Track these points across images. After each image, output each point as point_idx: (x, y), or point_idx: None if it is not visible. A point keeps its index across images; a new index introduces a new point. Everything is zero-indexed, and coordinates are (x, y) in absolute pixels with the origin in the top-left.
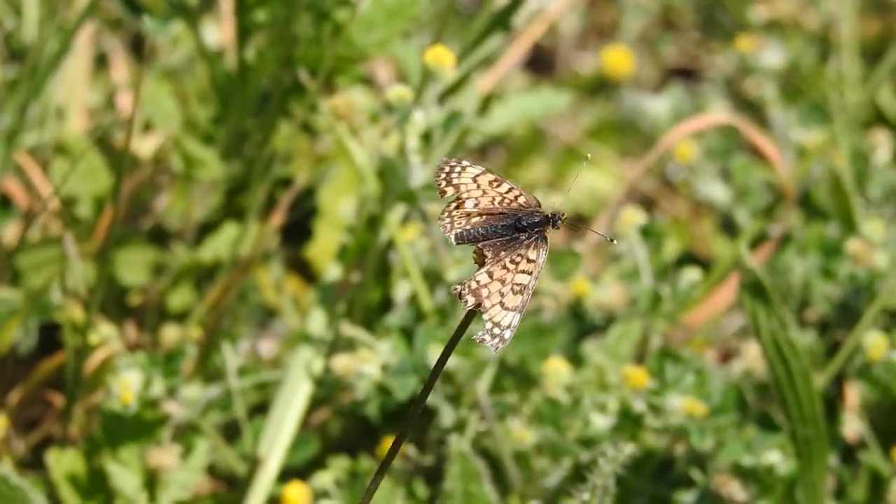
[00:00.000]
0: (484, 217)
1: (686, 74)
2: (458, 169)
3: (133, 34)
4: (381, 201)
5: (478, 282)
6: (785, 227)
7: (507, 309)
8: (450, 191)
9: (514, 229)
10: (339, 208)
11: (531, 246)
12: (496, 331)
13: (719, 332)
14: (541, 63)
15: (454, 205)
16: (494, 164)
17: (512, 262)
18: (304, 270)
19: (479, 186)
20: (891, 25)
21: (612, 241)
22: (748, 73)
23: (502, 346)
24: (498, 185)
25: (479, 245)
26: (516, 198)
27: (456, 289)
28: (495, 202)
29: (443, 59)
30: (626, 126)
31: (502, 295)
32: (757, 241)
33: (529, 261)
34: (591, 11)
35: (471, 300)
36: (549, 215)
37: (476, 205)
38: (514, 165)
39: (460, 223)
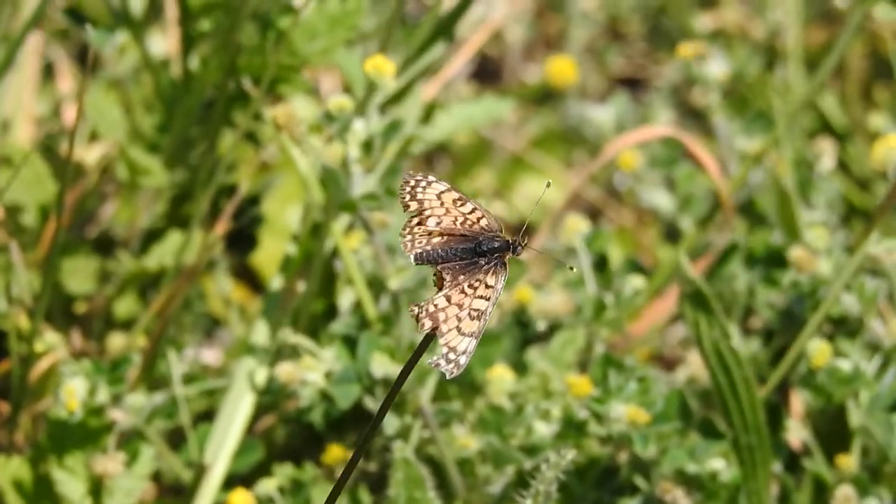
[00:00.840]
0: (445, 238)
1: (633, 84)
2: (423, 184)
3: (79, 44)
4: (325, 210)
5: (436, 305)
6: (725, 235)
7: (463, 334)
8: (413, 205)
9: (474, 253)
10: (284, 217)
11: (490, 271)
12: (451, 356)
13: (663, 340)
14: (488, 73)
15: (416, 220)
16: (440, 173)
17: (470, 286)
18: (249, 278)
19: (442, 204)
20: (836, 35)
21: (571, 268)
22: (694, 83)
23: (457, 371)
24: (462, 205)
25: (439, 267)
26: (479, 219)
27: (413, 311)
28: (457, 222)
29: (383, 68)
30: (571, 135)
31: (459, 320)
32: (700, 250)
33: (488, 286)
34: (538, 22)
35: (428, 323)
36: (510, 241)
37: (438, 223)
38: (459, 174)
39: (421, 242)
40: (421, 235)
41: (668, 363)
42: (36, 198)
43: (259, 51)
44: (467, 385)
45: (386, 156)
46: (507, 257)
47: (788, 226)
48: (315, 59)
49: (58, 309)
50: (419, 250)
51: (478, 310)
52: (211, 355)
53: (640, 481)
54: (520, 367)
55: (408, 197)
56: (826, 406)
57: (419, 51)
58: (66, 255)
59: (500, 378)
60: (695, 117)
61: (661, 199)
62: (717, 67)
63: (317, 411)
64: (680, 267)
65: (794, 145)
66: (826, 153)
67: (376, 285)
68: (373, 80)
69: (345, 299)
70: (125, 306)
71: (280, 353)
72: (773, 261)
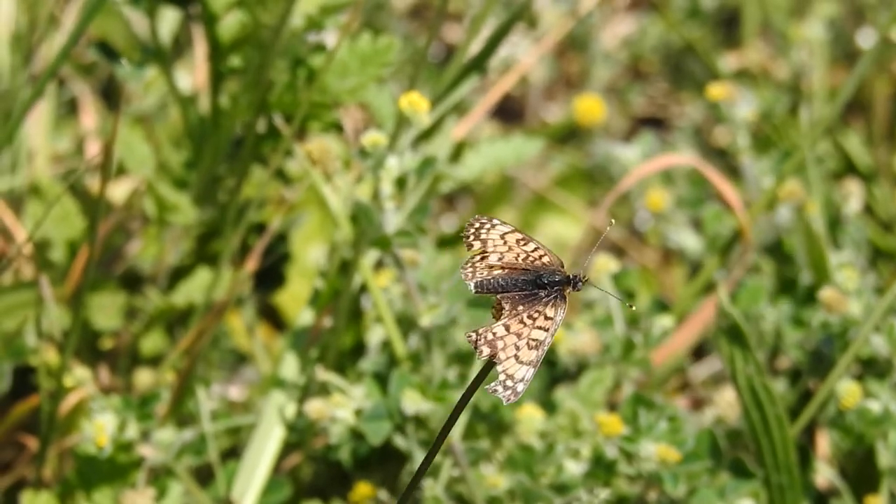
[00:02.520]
0: (506, 270)
1: (655, 123)
2: (487, 226)
3: (102, 79)
4: (354, 246)
5: (494, 333)
6: (743, 269)
7: (521, 363)
8: (476, 245)
9: (534, 285)
10: (306, 255)
11: (550, 303)
12: (509, 383)
13: (686, 378)
14: (510, 112)
15: (478, 257)
16: (463, 212)
17: (529, 317)
18: (272, 316)
19: (505, 243)
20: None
21: (631, 307)
22: (718, 122)
23: (514, 398)
24: (525, 244)
25: (498, 297)
26: (540, 257)
27: (470, 336)
28: (519, 258)
29: (418, 104)
30: (594, 175)
31: (517, 348)
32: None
33: (547, 318)
34: (560, 61)
35: (486, 350)
36: (571, 276)
37: (500, 259)
38: (482, 214)
39: (482, 273)
40: (482, 268)
41: (693, 402)
42: (64, 234)
43: (290, 88)
44: (496, 424)
45: (414, 193)
46: (568, 291)
47: (817, 266)
48: (346, 97)
49: (85, 345)
50: (480, 279)
51: (536, 340)
52: (234, 392)
53: None
54: (548, 406)
55: (472, 237)
56: (855, 447)
57: (449, 88)
58: (93, 291)
59: (530, 417)
60: (718, 157)
61: (687, 240)
62: (744, 108)
63: (345, 449)
64: (718, 300)
65: (821, 186)
66: (853, 194)
67: (404, 323)
68: (407, 117)
69: (373, 336)
70: (152, 342)
71: (307, 389)
72: (801, 301)
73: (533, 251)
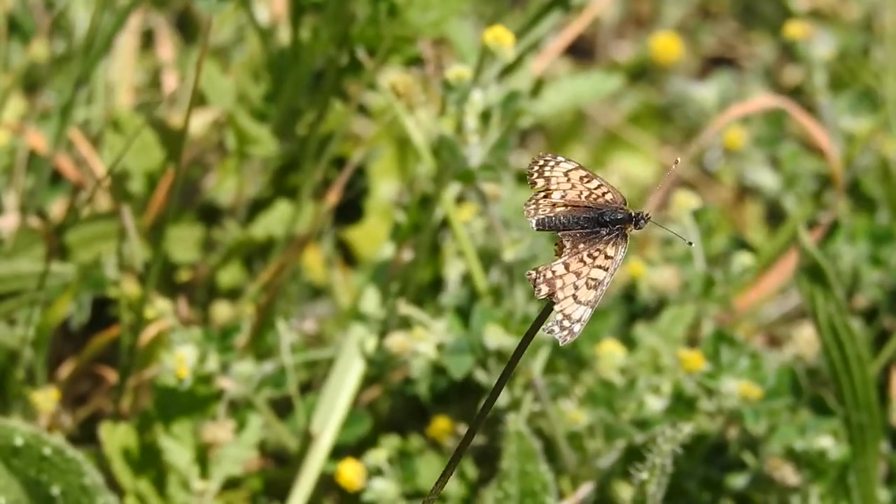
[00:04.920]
0: (569, 207)
1: (724, 63)
2: (551, 163)
3: (177, 12)
4: (436, 181)
5: (553, 272)
6: (834, 213)
7: (579, 302)
8: (540, 182)
9: (595, 223)
10: (381, 191)
11: (611, 242)
12: (566, 323)
13: (761, 318)
14: (580, 51)
15: (542, 194)
16: (535, 150)
17: (590, 255)
18: (343, 252)
19: (569, 180)
20: None
21: (690, 243)
22: (793, 62)
23: (570, 339)
24: (588, 181)
25: (560, 234)
26: (604, 194)
27: (530, 275)
28: (582, 196)
29: (503, 38)
30: (667, 113)
31: (576, 288)
32: (807, 228)
33: (607, 257)
34: (630, 1)
35: (544, 289)
36: (633, 214)
37: (563, 196)
38: (553, 151)
39: (544, 210)
40: (545, 205)
41: (768, 340)
42: (143, 165)
43: (372, 21)
44: (574, 360)
45: (497, 128)
46: (629, 230)
47: (895, 205)
48: (427, 31)
49: (162, 278)
50: (542, 216)
51: (595, 279)
52: (308, 326)
53: (748, 458)
54: (628, 343)
55: (535, 174)
56: None
57: (530, 24)
58: (170, 224)
59: (611, 353)
60: (789, 97)
61: (765, 178)
62: (822, 47)
63: (424, 383)
64: (797, 240)
65: None
66: None
67: (485, 258)
68: (492, 51)
69: (452, 271)
70: (229, 276)
71: (387, 323)
72: (879, 240)
73: (596, 188)
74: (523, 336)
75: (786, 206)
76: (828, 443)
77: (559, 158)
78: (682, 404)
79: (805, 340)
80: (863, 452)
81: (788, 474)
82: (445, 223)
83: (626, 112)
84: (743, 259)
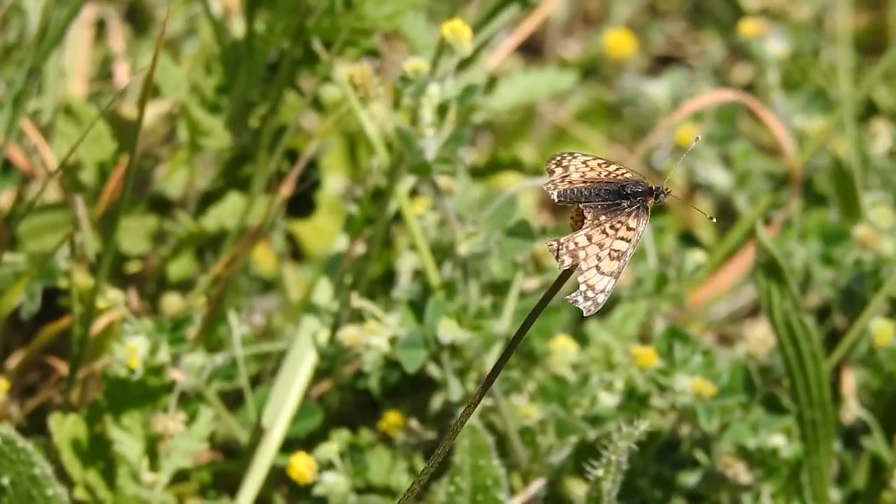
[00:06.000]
0: (588, 182)
1: (674, 62)
2: (569, 158)
3: (127, 3)
4: (390, 174)
5: (576, 243)
6: (787, 212)
7: (602, 273)
8: (559, 171)
9: (617, 195)
10: (330, 185)
11: (632, 214)
12: (590, 294)
13: (711, 316)
14: (530, 49)
15: (559, 177)
16: (483, 146)
17: (612, 227)
18: (290, 245)
19: (588, 166)
20: (882, 18)
21: (711, 218)
22: (744, 60)
23: (595, 309)
24: (607, 165)
25: (581, 206)
26: (623, 174)
27: (552, 245)
28: (601, 175)
29: (460, 32)
30: (616, 111)
31: (599, 259)
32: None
33: (629, 229)
34: None
35: (567, 260)
36: (654, 187)
37: (582, 176)
38: (501, 147)
39: (564, 185)
40: (564, 182)
41: (718, 338)
42: (95, 156)
43: (328, 14)
44: (526, 356)
45: (449, 123)
46: (650, 202)
47: (848, 205)
48: (382, 24)
49: (112, 269)
50: (563, 188)
51: (618, 251)
52: (255, 319)
53: (700, 455)
54: (580, 339)
55: (554, 165)
56: (884, 386)
57: (485, 19)
58: (122, 215)
59: (563, 349)
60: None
61: (717, 176)
62: (775, 45)
63: (374, 377)
64: (756, 235)
65: (852, 125)
66: (881, 134)
67: (438, 252)
68: (450, 44)
69: (405, 264)
70: (180, 267)
71: (339, 316)
72: (831, 239)
73: (615, 170)
74: (534, 308)
75: (737, 204)
76: (780, 441)
77: (577, 154)
78: (634, 401)
79: (757, 338)
80: (815, 451)
81: (741, 472)
82: (398, 217)
83: (575, 109)
84: (696, 256)
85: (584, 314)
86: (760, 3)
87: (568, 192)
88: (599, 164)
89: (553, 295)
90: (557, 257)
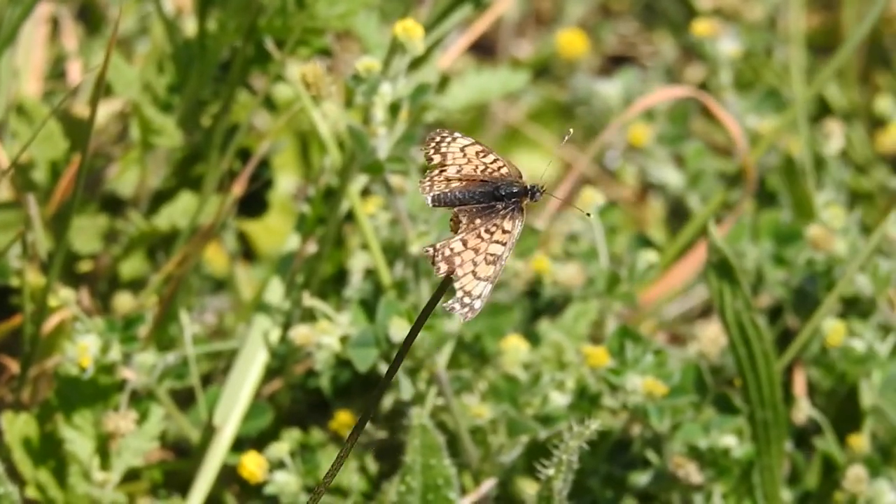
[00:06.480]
0: (464, 182)
1: (626, 62)
2: (448, 139)
3: (79, 2)
4: (342, 173)
5: (451, 249)
6: (739, 212)
7: (478, 279)
8: (436, 158)
9: (491, 197)
10: (281, 185)
11: (507, 216)
12: (466, 300)
13: (662, 316)
14: (482, 49)
15: (438, 170)
16: None
17: (487, 231)
18: (242, 245)
19: (465, 155)
20: (834, 18)
21: (588, 214)
22: (697, 60)
23: (472, 315)
24: (484, 156)
25: (456, 210)
26: (499, 168)
27: (428, 251)
28: (478, 170)
29: (412, 31)
30: (569, 110)
31: (475, 264)
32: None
33: (504, 231)
34: None
35: (443, 267)
36: (529, 187)
37: (458, 171)
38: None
39: (440, 186)
40: (440, 181)
41: (672, 338)
42: (47, 155)
43: (280, 13)
44: (478, 355)
45: (401, 122)
46: (525, 203)
47: (800, 205)
48: (335, 23)
49: (64, 268)
50: (437, 192)
51: (494, 255)
52: (207, 318)
53: (652, 455)
54: (532, 338)
55: (432, 150)
56: (836, 386)
57: (438, 19)
58: (74, 214)
59: (515, 348)
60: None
61: (669, 175)
62: (728, 44)
63: (325, 377)
64: (708, 235)
65: (805, 126)
66: (834, 135)
67: (390, 251)
68: (402, 43)
69: (356, 264)
70: (132, 266)
71: (291, 315)
72: (783, 239)
73: (492, 163)
74: (418, 316)
75: (689, 204)
76: (732, 441)
77: (456, 134)
78: (585, 400)
79: (709, 338)
80: (767, 451)
81: (692, 472)
82: (350, 216)
83: (527, 109)
84: (647, 256)
85: (462, 321)
86: (713, 4)
87: (442, 196)
88: (477, 154)
89: (439, 299)
90: (433, 264)
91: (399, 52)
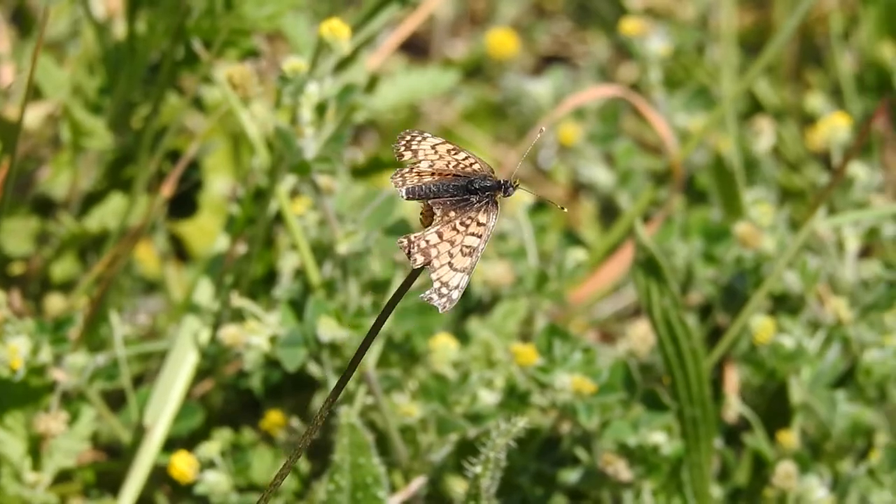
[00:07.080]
0: (436, 176)
1: (559, 62)
2: (418, 138)
3: (12, 6)
4: (271, 173)
5: (427, 241)
6: (668, 210)
7: (455, 270)
8: (407, 155)
9: (465, 191)
10: (213, 186)
11: (482, 209)
12: (444, 290)
13: (594, 314)
14: (415, 48)
15: (408, 167)
16: (368, 146)
17: (462, 223)
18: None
19: (436, 152)
20: (766, 17)
21: (562, 208)
22: (628, 59)
23: (450, 306)
24: (456, 153)
25: (430, 202)
26: (472, 164)
27: (403, 243)
28: (450, 166)
29: (338, 31)
30: (501, 110)
31: (451, 256)
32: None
33: (479, 224)
34: None
35: (420, 259)
36: (502, 181)
37: (431, 166)
38: (387, 147)
39: (412, 180)
40: (412, 176)
41: (604, 336)
42: None
43: (208, 14)
44: (408, 354)
45: (332, 122)
46: (499, 196)
47: (729, 203)
48: (263, 24)
49: None
50: (411, 185)
51: (470, 246)
52: (140, 319)
53: (581, 453)
54: (461, 337)
55: (403, 148)
56: (766, 382)
57: (365, 19)
58: (3, 216)
59: (444, 346)
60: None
61: (599, 174)
62: (657, 43)
63: (256, 377)
64: (634, 233)
65: (734, 124)
66: (764, 132)
67: (318, 251)
68: (328, 43)
69: (286, 264)
70: (63, 268)
71: (220, 316)
72: (713, 237)
73: (464, 159)
74: (383, 308)
75: (620, 202)
76: (661, 438)
77: (426, 134)
78: (514, 398)
79: (638, 336)
80: (696, 448)
81: (621, 469)
82: (279, 216)
83: (460, 109)
84: (576, 254)
85: (440, 311)
86: (645, 3)
87: (416, 189)
88: (448, 151)
89: (405, 292)
90: (409, 255)
91: (325, 52)
